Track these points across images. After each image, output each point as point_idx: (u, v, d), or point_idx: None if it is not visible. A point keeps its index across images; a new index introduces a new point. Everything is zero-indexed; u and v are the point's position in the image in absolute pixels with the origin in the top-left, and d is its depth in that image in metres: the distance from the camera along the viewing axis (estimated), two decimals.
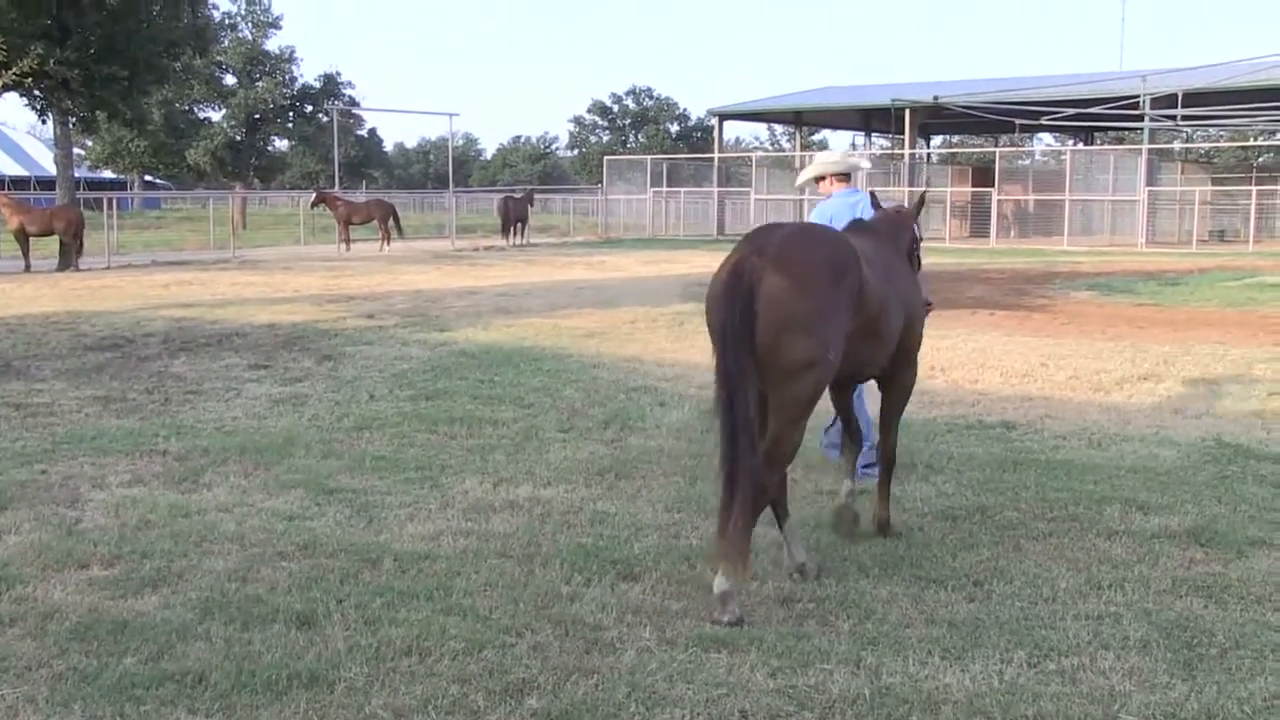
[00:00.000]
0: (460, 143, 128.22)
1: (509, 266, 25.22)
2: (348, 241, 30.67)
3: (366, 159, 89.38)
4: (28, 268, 23.06)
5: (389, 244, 30.69)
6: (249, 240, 35.19)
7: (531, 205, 36.94)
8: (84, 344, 11.71)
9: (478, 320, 14.09)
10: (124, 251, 27.84)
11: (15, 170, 54.54)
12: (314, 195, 31.90)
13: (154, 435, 7.43)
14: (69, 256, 23.28)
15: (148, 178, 58.08)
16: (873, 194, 6.08)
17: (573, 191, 59.98)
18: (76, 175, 28.54)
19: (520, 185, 73.89)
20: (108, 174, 55.36)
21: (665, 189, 44.80)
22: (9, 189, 44.04)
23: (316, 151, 75.61)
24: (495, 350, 11.55)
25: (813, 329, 4.39)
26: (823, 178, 6.91)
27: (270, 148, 56.46)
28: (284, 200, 74.42)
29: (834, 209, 6.69)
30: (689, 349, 11.54)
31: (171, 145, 47.70)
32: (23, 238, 23.34)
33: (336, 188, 40.81)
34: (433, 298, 17.19)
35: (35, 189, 40.78)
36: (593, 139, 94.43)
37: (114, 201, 28.30)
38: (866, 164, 7.11)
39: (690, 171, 49.53)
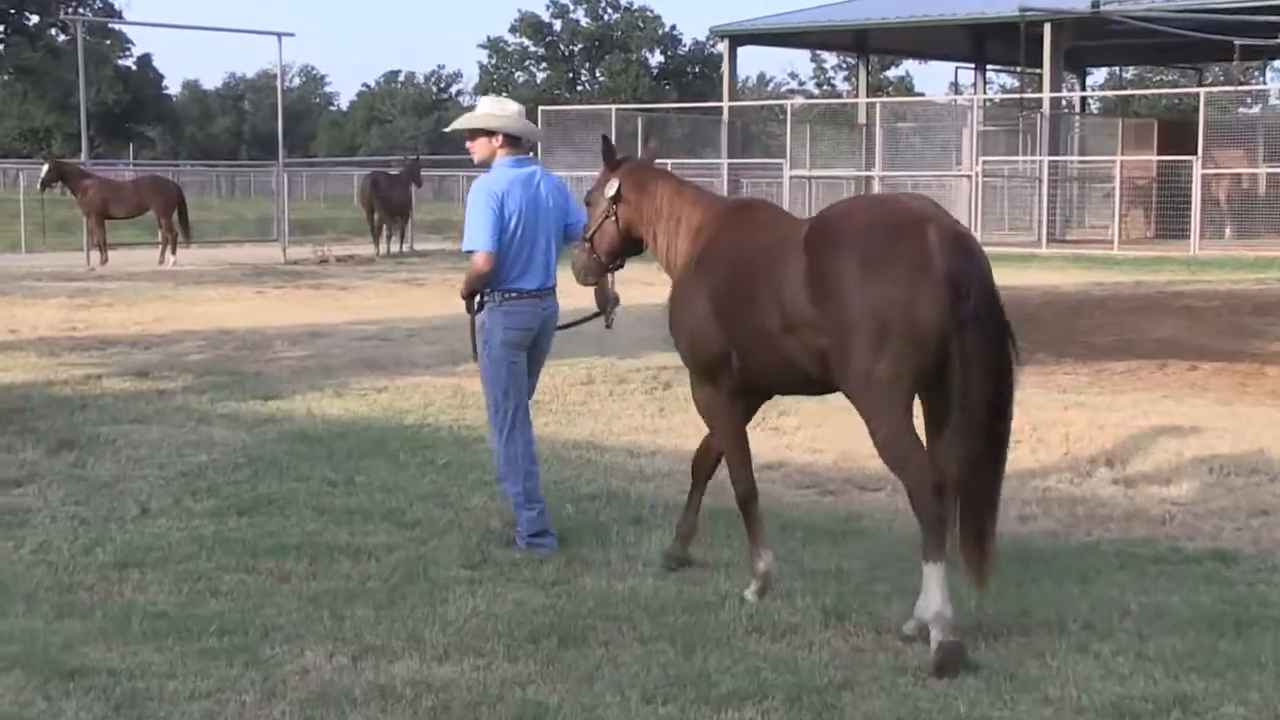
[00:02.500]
0: (297, 82, 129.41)
1: (380, 289, 25.33)
2: (103, 247, 30.88)
3: (137, 107, 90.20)
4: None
5: (174, 252, 30.88)
6: None
7: (418, 187, 37.26)
8: None
9: (327, 380, 14.18)
10: None
11: None
12: (45, 168, 31.98)
13: None
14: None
15: None
16: (608, 168, 7.80)
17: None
18: None
19: (399, 156, 74.23)
20: None
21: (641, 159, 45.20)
22: None
23: (48, 94, 75.68)
24: (356, 430, 11.60)
25: None
26: (489, 133, 8.29)
27: None
28: None
29: (502, 185, 8.15)
30: (679, 428, 11.60)
31: None
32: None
33: (83, 156, 40.91)
34: (251, 343, 17.29)
35: None
36: (519, 78, 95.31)
37: None
38: (538, 134, 8.65)
39: (683, 130, 50.17)
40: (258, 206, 51.24)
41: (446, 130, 9.19)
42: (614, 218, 7.87)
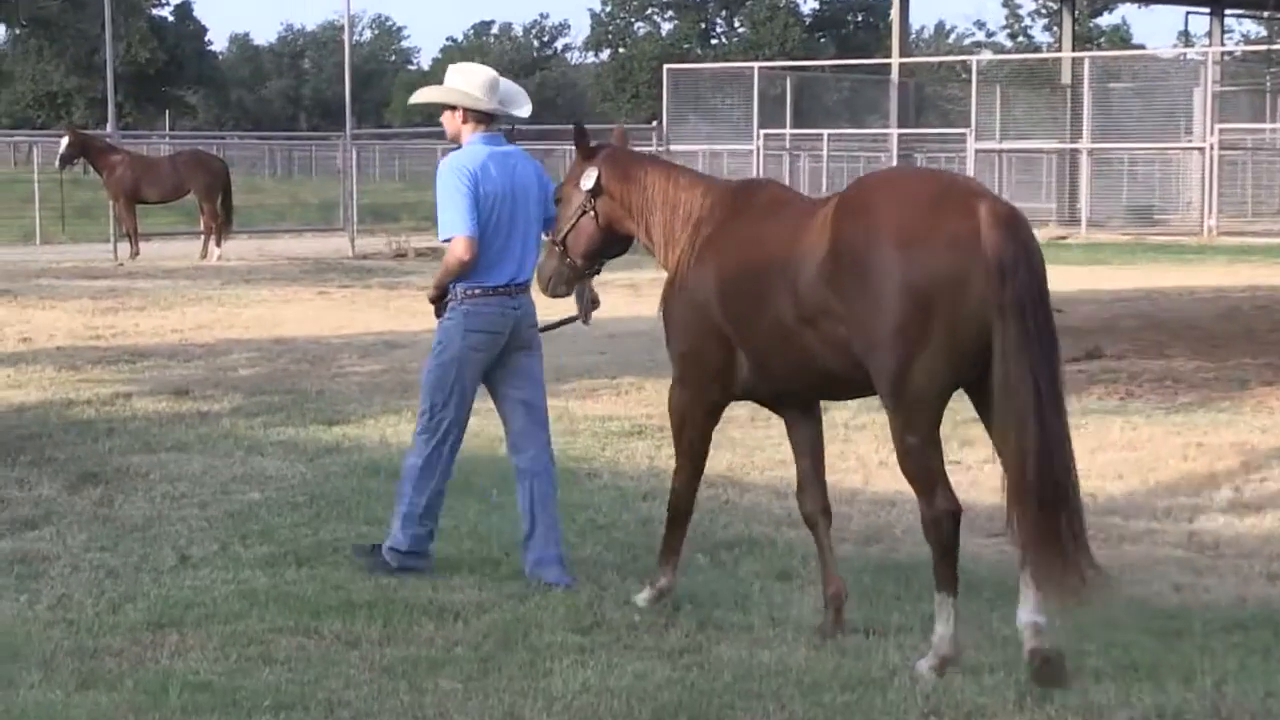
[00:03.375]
0: (367, 36, 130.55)
1: None
2: (134, 238, 31.25)
3: (174, 67, 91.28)
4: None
5: (220, 244, 31.17)
6: None
7: None
8: None
9: (403, 401, 14.21)
10: None
11: None
12: (65, 142, 32.14)
13: None
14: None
15: None
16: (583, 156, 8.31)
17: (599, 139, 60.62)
18: None
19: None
20: None
21: (790, 130, 45.36)
22: None
23: (69, 51, 76.75)
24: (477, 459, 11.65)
25: None
26: (454, 108, 8.77)
27: None
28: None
29: (475, 163, 8.58)
30: (834, 461, 11.56)
31: None
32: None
33: (110, 127, 41.55)
34: (311, 355, 17.50)
35: None
36: (640, 29, 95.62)
37: None
38: (527, 109, 9.03)
39: (841, 94, 50.02)
40: (320, 188, 51.73)
41: (411, 103, 9.81)
42: (593, 213, 8.30)
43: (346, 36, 40.44)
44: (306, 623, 7.86)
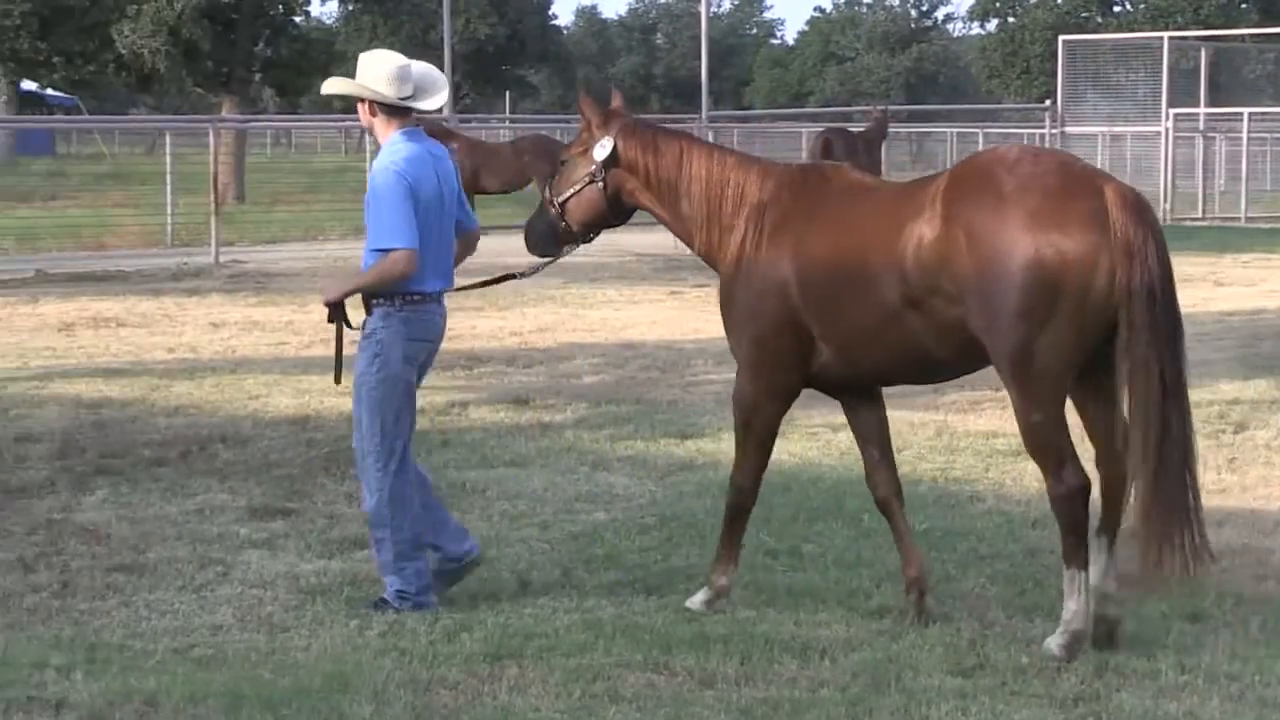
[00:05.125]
0: (726, 8, 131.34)
1: None
2: None
3: (516, 44, 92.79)
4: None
5: None
6: (249, 225, 36.87)
7: (884, 140, 37.03)
8: None
9: None
10: None
11: None
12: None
13: (37, 665, 7.79)
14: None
15: (29, 87, 62.05)
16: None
17: (986, 120, 60.07)
18: None
19: (863, 106, 74.39)
20: None
21: (1205, 109, 44.47)
22: None
23: (403, 27, 78.42)
24: (805, 481, 11.71)
25: None
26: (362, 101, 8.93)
27: (293, 21, 59.23)
28: (330, 135, 77.74)
29: (410, 166, 8.75)
30: (1255, 486, 11.47)
31: (77, 18, 51.14)
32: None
33: (447, 110, 42.33)
34: (663, 361, 17.71)
35: None
36: None
37: None
38: (437, 99, 9.31)
39: (1265, 68, 48.80)
40: None
41: (323, 93, 9.97)
42: (601, 184, 8.85)
43: (703, 8, 40.70)
44: (656, 657, 7.92)
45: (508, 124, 56.48)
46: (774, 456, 12.40)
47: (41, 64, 55.09)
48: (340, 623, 8.57)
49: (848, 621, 8.53)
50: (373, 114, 8.97)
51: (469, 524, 10.54)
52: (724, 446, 12.87)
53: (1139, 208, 7.68)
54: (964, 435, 13.31)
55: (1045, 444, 7.87)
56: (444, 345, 18.57)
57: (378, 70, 8.92)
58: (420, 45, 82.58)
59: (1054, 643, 7.87)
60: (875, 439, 8.78)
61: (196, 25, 50.16)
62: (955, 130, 57.46)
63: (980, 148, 35.08)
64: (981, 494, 11.46)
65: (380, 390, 8.77)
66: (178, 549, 10.03)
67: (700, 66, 37.57)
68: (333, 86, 9.48)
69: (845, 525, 10.47)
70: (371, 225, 8.85)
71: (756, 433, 8.79)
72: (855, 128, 39.08)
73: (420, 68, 9.13)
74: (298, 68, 55.73)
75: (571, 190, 8.89)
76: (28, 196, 43.41)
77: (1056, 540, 8.28)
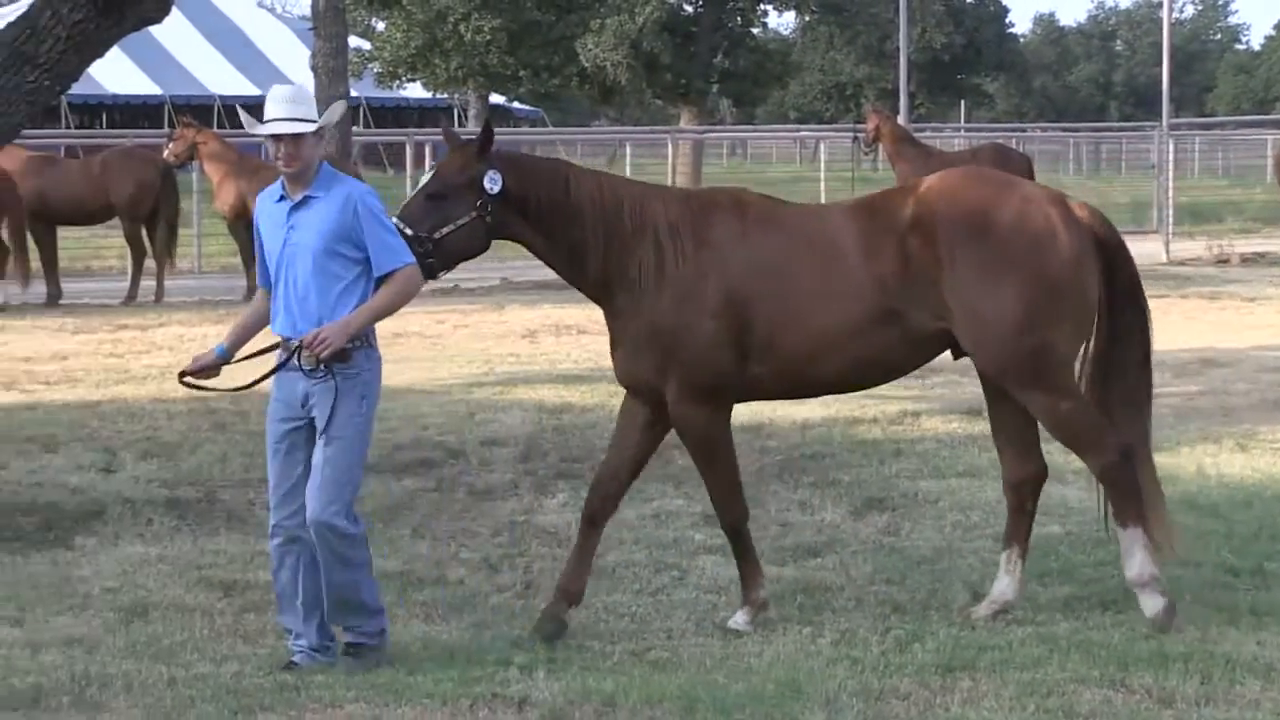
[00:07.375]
0: (1189, 12, 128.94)
1: None
2: None
3: (973, 53, 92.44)
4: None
5: None
6: None
7: None
8: (398, 456, 13.16)
9: (1225, 427, 14.30)
10: None
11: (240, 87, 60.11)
12: (871, 124, 30.88)
13: (501, 663, 8.15)
14: None
15: (496, 100, 63.82)
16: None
17: None
18: (354, 95, 32.06)
19: None
20: (412, 92, 62.32)
21: None
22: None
23: (859, 38, 78.72)
24: (1268, 498, 11.60)
25: None
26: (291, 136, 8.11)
27: (751, 33, 59.69)
28: (785, 145, 78.37)
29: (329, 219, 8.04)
30: None
31: (543, 33, 52.31)
32: None
33: (902, 117, 42.40)
34: None
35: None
36: None
37: (416, 152, 31.99)
38: (339, 112, 9.53)
39: None
40: (1130, 185, 51.30)
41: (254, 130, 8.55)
42: (487, 218, 8.41)
43: (1165, 14, 40.17)
44: (1113, 674, 7.85)
45: (962, 133, 56.21)
46: (1235, 471, 12.29)
47: (509, 78, 56.63)
48: (793, 630, 8.69)
49: None
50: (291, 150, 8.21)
51: (921, 535, 10.57)
52: (1183, 461, 12.85)
53: (1103, 218, 8.88)
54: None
55: (1082, 426, 8.59)
56: None
57: (284, 110, 8.22)
58: (876, 55, 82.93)
59: (1148, 607, 8.55)
60: (640, 451, 9.07)
61: (657, 38, 51.27)
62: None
63: None
64: None
65: (366, 429, 8.38)
66: (634, 553, 10.33)
67: (1161, 73, 36.91)
68: (262, 127, 8.32)
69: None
70: (377, 248, 8.15)
71: (720, 453, 8.92)
72: None
73: (276, 90, 8.45)
74: (755, 78, 56.63)
75: (451, 226, 8.33)
76: None
77: None
